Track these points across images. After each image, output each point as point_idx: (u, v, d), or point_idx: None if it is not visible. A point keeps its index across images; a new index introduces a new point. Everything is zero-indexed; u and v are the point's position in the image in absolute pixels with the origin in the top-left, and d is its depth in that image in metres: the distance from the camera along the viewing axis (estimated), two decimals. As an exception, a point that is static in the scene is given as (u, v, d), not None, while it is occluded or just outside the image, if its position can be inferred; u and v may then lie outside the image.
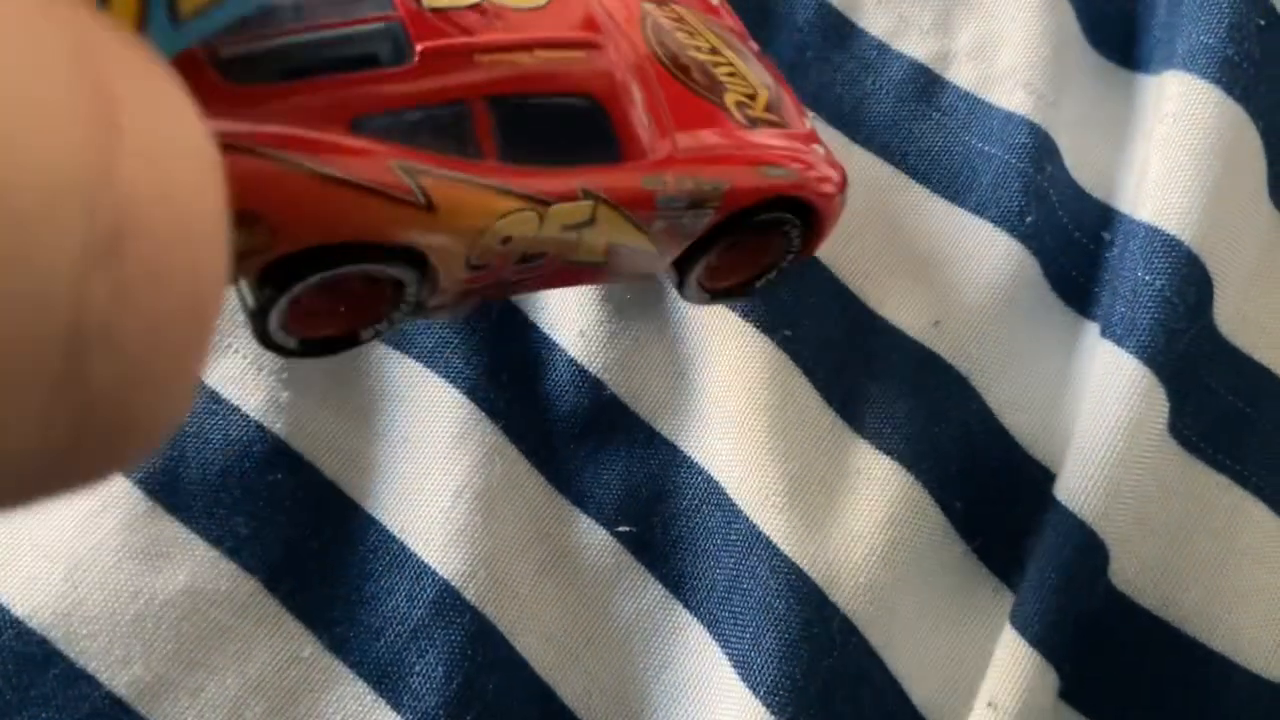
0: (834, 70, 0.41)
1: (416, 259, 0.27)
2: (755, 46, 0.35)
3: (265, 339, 0.27)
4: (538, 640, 0.33)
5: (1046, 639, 0.33)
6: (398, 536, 0.33)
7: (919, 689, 0.34)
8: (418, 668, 0.32)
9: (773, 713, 0.32)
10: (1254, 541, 0.37)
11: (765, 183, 0.31)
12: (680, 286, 0.33)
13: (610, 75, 0.28)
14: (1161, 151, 0.38)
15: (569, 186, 0.28)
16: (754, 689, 0.32)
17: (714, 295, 0.34)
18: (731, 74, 0.33)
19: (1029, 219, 0.38)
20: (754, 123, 0.32)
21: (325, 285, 0.26)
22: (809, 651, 0.33)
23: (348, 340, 0.29)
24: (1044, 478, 0.36)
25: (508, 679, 0.32)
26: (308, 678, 0.32)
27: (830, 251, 0.39)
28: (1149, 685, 0.35)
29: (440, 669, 0.32)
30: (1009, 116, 0.40)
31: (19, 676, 0.30)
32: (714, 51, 0.34)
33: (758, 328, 0.36)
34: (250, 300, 0.27)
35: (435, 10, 0.27)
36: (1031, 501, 0.36)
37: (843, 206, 0.33)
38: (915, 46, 0.42)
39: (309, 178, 0.25)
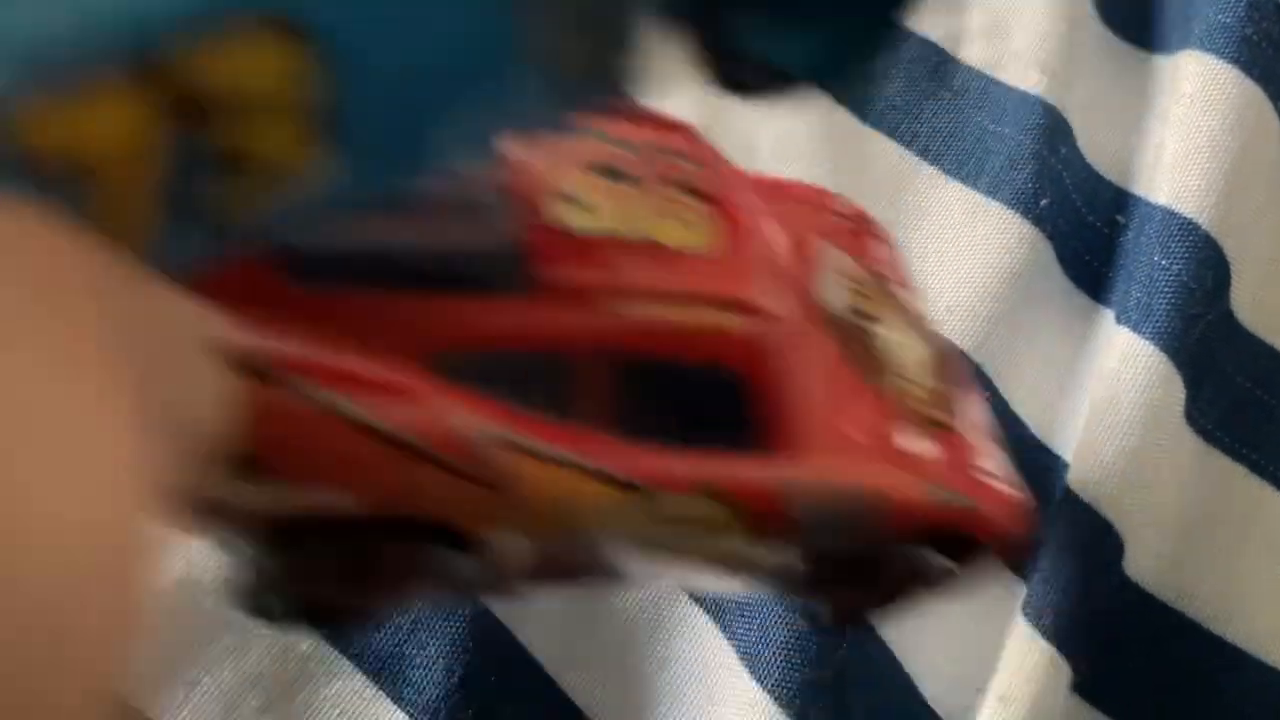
0: None
1: (456, 540, 0.22)
2: (926, 316, 0.30)
3: (252, 606, 0.22)
4: (540, 632, 0.33)
5: (1059, 631, 0.32)
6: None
7: (929, 682, 0.34)
8: (418, 660, 0.31)
9: (780, 706, 0.32)
10: (1271, 531, 0.36)
11: (932, 508, 0.25)
12: (804, 612, 0.28)
13: (766, 344, 0.23)
14: (1178, 133, 0.37)
15: (687, 475, 0.23)
16: (761, 682, 0.32)
17: (833, 618, 0.29)
18: (896, 350, 0.27)
19: (1043, 202, 0.38)
20: (923, 423, 0.26)
21: (342, 551, 0.22)
22: (817, 644, 0.33)
23: (367, 613, 0.24)
24: (1057, 466, 0.35)
25: (509, 671, 0.32)
26: (305, 670, 0.31)
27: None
28: (1163, 678, 0.35)
29: (441, 662, 0.31)
30: (1023, 97, 0.39)
31: None
32: (882, 320, 0.28)
33: None
34: (244, 562, 0.22)
35: (569, 233, 0.22)
36: (1044, 490, 0.35)
37: (1012, 545, 0.27)
38: (927, 25, 0.41)
39: (343, 424, 0.19)
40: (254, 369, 0.18)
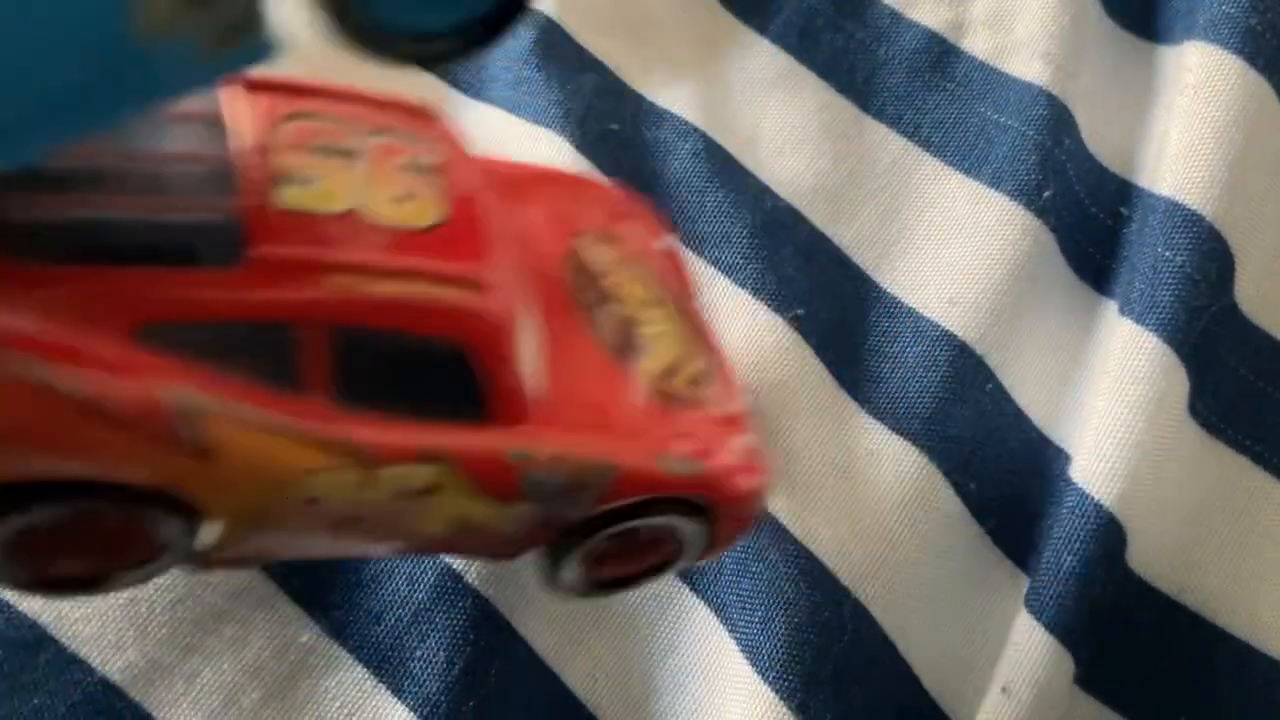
0: (846, 39, 0.41)
1: (185, 510, 0.22)
2: (698, 308, 0.31)
3: None
4: (541, 624, 0.33)
5: (1063, 624, 0.32)
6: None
7: (931, 674, 0.34)
8: (419, 652, 0.31)
9: (781, 698, 0.32)
10: (1275, 524, 0.36)
11: (663, 476, 0.26)
12: (551, 573, 0.27)
13: (489, 318, 0.24)
14: (1182, 124, 0.37)
15: (410, 444, 0.23)
16: (762, 674, 0.32)
17: (594, 586, 0.28)
18: (657, 336, 0.29)
19: (1046, 193, 0.38)
20: (668, 399, 0.27)
21: (65, 522, 0.22)
22: (819, 636, 0.33)
23: (95, 583, 0.24)
24: (1060, 458, 0.35)
25: (510, 663, 0.32)
26: (306, 663, 0.31)
27: (841, 227, 0.38)
28: (1167, 671, 0.34)
29: (442, 654, 0.31)
30: (1026, 87, 0.39)
31: (9, 662, 0.29)
32: (644, 306, 0.29)
33: (769, 306, 0.35)
34: None
35: (289, 211, 0.22)
36: (1047, 483, 0.35)
37: (755, 512, 0.28)
38: (929, 15, 0.41)
39: (38, 392, 0.20)
40: None
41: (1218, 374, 0.36)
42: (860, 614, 0.33)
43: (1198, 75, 0.38)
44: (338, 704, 0.31)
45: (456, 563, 0.32)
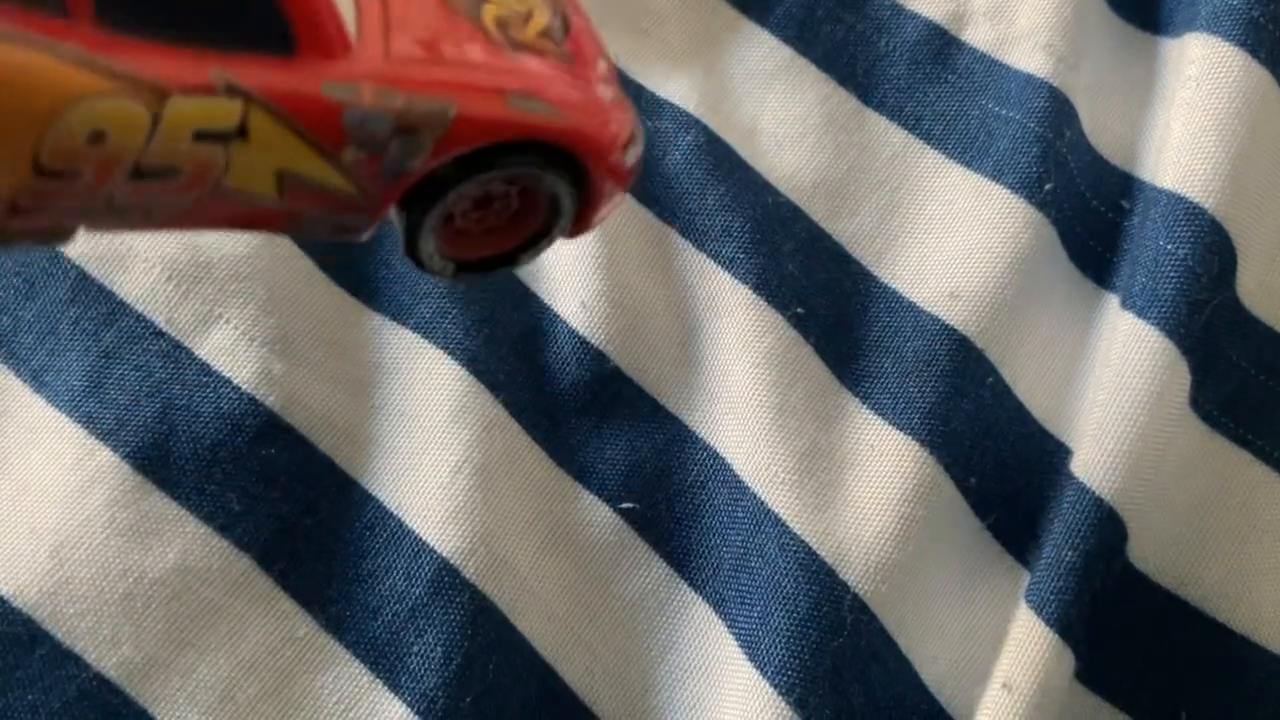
0: (846, 31, 0.40)
1: None
2: None
3: None
4: (539, 619, 0.32)
5: (1063, 619, 0.32)
6: (395, 513, 0.32)
7: (931, 670, 0.34)
8: (416, 648, 0.31)
9: (780, 693, 0.31)
10: (1275, 518, 0.36)
11: (511, 116, 0.23)
12: (410, 246, 0.24)
13: None
14: (1184, 117, 0.37)
15: (201, 73, 0.20)
16: (761, 669, 0.32)
17: (459, 267, 0.25)
18: None
19: (1047, 186, 0.37)
20: (517, 46, 0.24)
21: None
22: (818, 631, 0.32)
23: None
24: (1060, 453, 0.35)
25: (508, 659, 0.32)
26: (303, 658, 0.31)
27: (841, 223, 0.38)
28: (1167, 666, 0.34)
29: (439, 649, 0.31)
30: (1028, 79, 0.39)
31: (3, 658, 0.29)
32: None
33: (769, 303, 0.35)
34: None
35: None
36: (1047, 477, 0.35)
37: (631, 171, 0.25)
38: (930, 6, 0.41)
39: None
40: None
41: (1219, 368, 0.36)
42: (860, 610, 0.33)
43: (1200, 67, 0.37)
44: (334, 699, 0.31)
45: (454, 558, 0.32)
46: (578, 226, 0.26)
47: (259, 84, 0.20)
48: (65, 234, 0.22)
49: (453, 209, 0.24)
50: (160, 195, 0.21)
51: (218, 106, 0.20)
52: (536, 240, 0.26)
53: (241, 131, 0.21)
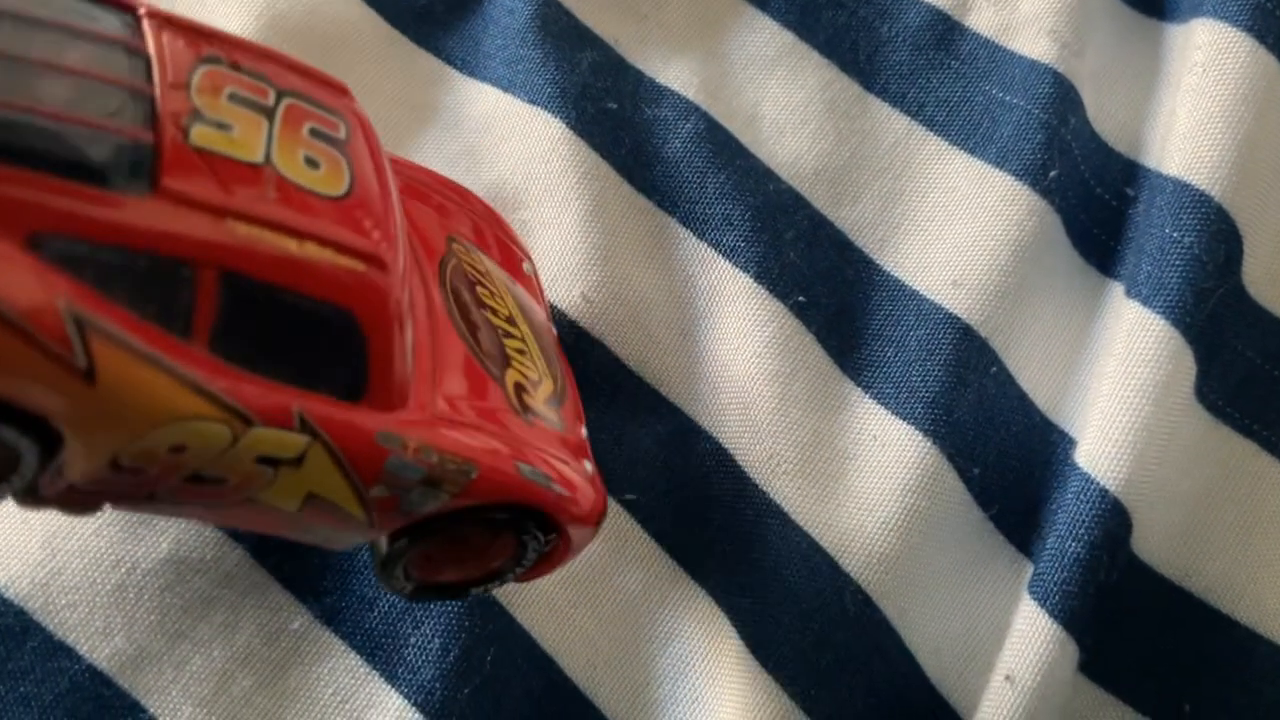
0: (848, 16, 0.40)
1: (46, 433, 0.21)
2: (554, 333, 0.32)
3: None
4: (540, 611, 0.32)
5: (1067, 610, 0.32)
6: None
7: (933, 662, 0.33)
8: (413, 639, 0.31)
9: (782, 686, 0.31)
10: None
11: (519, 482, 0.26)
12: (382, 566, 0.27)
13: (385, 298, 0.23)
14: (1190, 103, 0.37)
15: (287, 409, 0.23)
16: (763, 661, 0.32)
17: (419, 589, 0.28)
18: (521, 351, 0.29)
19: (1052, 173, 0.37)
20: (528, 413, 0.28)
21: None
22: (820, 623, 0.32)
23: None
24: (1064, 443, 0.35)
25: (508, 650, 0.32)
26: (298, 649, 0.31)
27: (843, 210, 0.37)
28: (1171, 657, 0.34)
29: (437, 640, 0.31)
30: (1032, 65, 0.39)
31: None
32: (510, 321, 0.30)
33: (770, 292, 0.35)
34: None
35: (202, 150, 0.22)
36: (1051, 468, 0.35)
37: (591, 537, 0.29)
38: None
39: None
40: None
41: (1225, 357, 0.36)
42: (862, 601, 0.33)
43: (1206, 53, 0.37)
44: (330, 690, 0.31)
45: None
46: (531, 573, 0.29)
47: (327, 423, 0.23)
48: (95, 510, 0.24)
49: (428, 550, 0.27)
50: (199, 496, 0.24)
51: (288, 439, 0.23)
52: (493, 577, 0.29)
53: (298, 460, 0.23)
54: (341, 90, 0.26)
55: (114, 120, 0.21)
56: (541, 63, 0.37)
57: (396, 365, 0.24)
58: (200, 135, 0.22)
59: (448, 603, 0.31)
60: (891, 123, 0.39)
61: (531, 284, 0.33)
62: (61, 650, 0.29)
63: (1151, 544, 0.34)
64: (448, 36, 0.39)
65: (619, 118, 0.37)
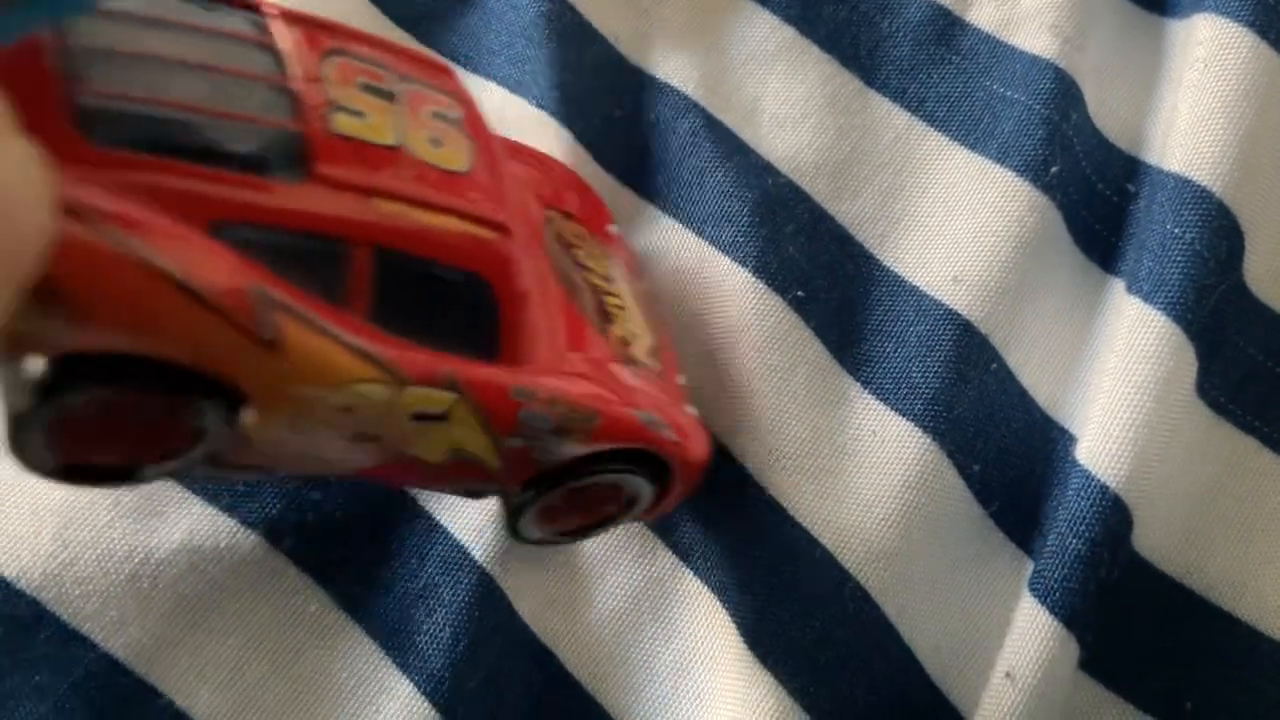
0: (849, 11, 0.40)
1: (232, 401, 0.23)
2: (646, 287, 0.34)
3: (21, 450, 0.22)
4: (540, 605, 0.32)
5: (1067, 607, 0.31)
6: (406, 489, 0.32)
7: (933, 659, 0.33)
8: (426, 627, 0.31)
9: (782, 683, 0.31)
10: None
11: (638, 426, 0.28)
12: (514, 518, 0.29)
13: (513, 263, 0.26)
14: (1191, 99, 0.36)
15: (435, 369, 0.25)
16: (763, 658, 0.32)
17: (544, 537, 0.30)
18: (620, 308, 0.31)
19: (1053, 169, 0.37)
20: (634, 364, 0.30)
21: (114, 402, 0.22)
22: (820, 620, 0.32)
23: (122, 473, 0.24)
24: (1065, 440, 0.35)
25: (510, 644, 0.32)
26: (313, 634, 0.31)
27: (843, 204, 0.37)
28: (1172, 654, 0.34)
29: (448, 630, 0.31)
30: (1033, 60, 0.38)
31: (8, 639, 0.29)
32: (607, 279, 0.31)
33: (770, 286, 0.35)
34: (12, 396, 0.22)
35: (344, 137, 0.24)
36: (1051, 465, 0.34)
37: (699, 481, 0.30)
38: None
39: (139, 268, 0.21)
40: (68, 207, 0.20)
41: (1226, 353, 0.36)
42: (861, 598, 0.33)
43: (1208, 49, 0.37)
44: (345, 674, 0.31)
45: (463, 536, 0.32)
46: (648, 514, 0.31)
47: (468, 380, 0.25)
48: (259, 474, 0.27)
49: (552, 500, 0.29)
50: (355, 453, 0.26)
51: (437, 396, 0.25)
52: (606, 522, 0.31)
53: (445, 416, 0.25)
54: (446, 71, 0.28)
55: (266, 114, 0.23)
56: (548, 64, 0.37)
57: (525, 324, 0.26)
58: (341, 123, 0.24)
59: (460, 592, 0.31)
60: (892, 118, 0.39)
61: (618, 244, 0.34)
62: (76, 639, 0.30)
63: (1152, 541, 0.34)
64: (451, 33, 0.39)
65: (619, 118, 0.37)
